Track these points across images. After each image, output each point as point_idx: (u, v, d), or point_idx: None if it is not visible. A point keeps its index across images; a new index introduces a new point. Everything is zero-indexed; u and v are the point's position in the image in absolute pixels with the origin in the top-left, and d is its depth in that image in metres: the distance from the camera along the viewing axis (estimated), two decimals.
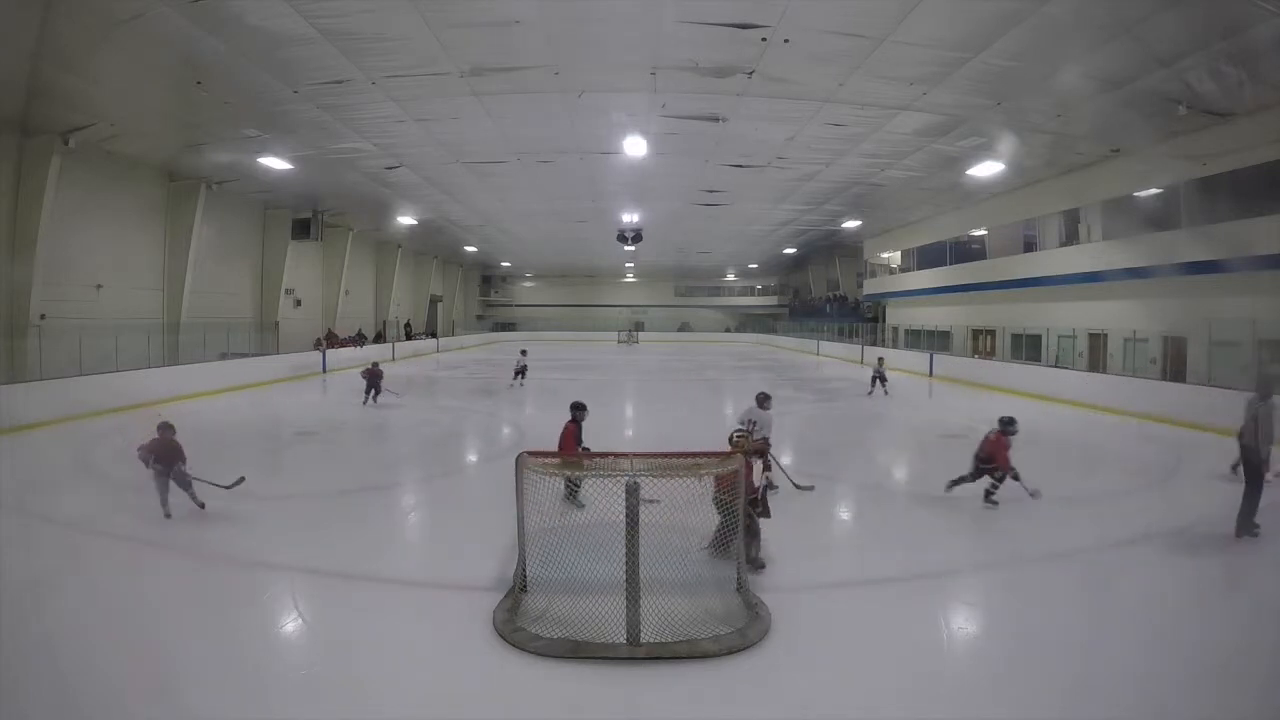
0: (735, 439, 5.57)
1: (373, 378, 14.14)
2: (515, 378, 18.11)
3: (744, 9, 8.81)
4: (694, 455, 4.59)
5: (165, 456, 6.13)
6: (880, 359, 18.54)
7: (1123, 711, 3.36)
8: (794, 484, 7.12)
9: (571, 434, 6.84)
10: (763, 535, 5.14)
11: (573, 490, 6.06)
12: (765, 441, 6.25)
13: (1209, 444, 10.36)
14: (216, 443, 10.18)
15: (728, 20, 9.09)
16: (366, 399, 13.94)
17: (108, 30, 8.91)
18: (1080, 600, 4.75)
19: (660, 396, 17.37)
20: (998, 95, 11.46)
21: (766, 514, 5.24)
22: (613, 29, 9.44)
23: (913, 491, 7.90)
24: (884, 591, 4.81)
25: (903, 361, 24.04)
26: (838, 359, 29.29)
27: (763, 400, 7.06)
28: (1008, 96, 11.51)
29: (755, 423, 6.71)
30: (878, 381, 16.64)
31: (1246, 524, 5.76)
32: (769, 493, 6.48)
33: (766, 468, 6.71)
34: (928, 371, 21.53)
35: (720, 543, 4.98)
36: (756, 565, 4.95)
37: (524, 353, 19.04)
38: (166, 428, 6.27)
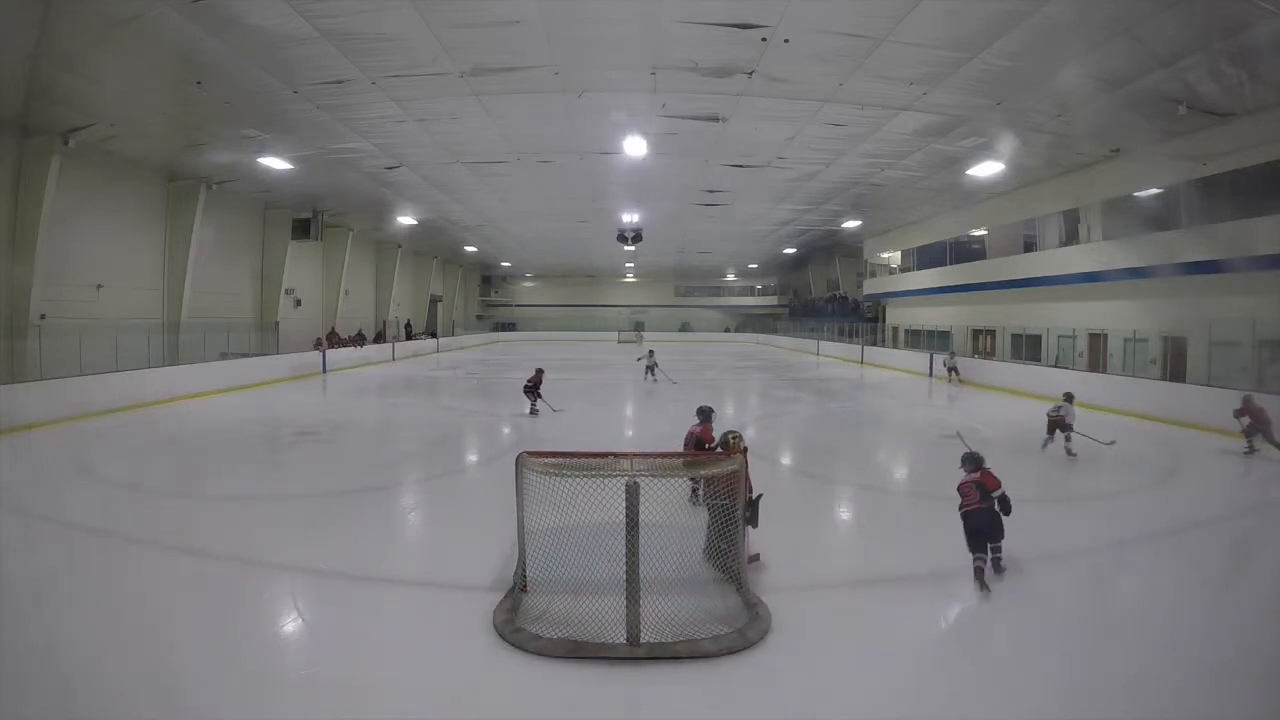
0: (731, 440, 5.56)
1: (534, 386, 12.95)
2: (651, 374, 19.43)
3: (744, 9, 8.81)
4: (694, 455, 4.59)
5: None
6: (952, 353, 20.29)
7: (1122, 712, 3.37)
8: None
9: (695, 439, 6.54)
10: (752, 545, 4.96)
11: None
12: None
13: (1209, 444, 10.38)
14: (216, 442, 10.21)
15: (728, 20, 9.09)
16: (532, 406, 12.81)
17: (108, 30, 8.91)
18: (1080, 600, 4.75)
19: (661, 396, 17.37)
20: (998, 95, 11.45)
21: (754, 523, 4.96)
22: (613, 29, 9.43)
23: (912, 491, 7.90)
24: (884, 591, 4.81)
25: (902, 361, 24.09)
26: (837, 359, 29.31)
27: (1070, 397, 9.52)
28: (1008, 96, 11.51)
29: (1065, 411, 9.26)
30: (952, 372, 19.23)
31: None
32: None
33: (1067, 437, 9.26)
34: (927, 371, 21.54)
35: (712, 547, 4.84)
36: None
37: (651, 352, 20.49)
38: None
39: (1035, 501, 7.28)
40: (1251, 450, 9.49)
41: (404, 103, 12.18)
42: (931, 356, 21.89)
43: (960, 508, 4.93)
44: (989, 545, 4.81)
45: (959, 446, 8.22)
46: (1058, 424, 9.34)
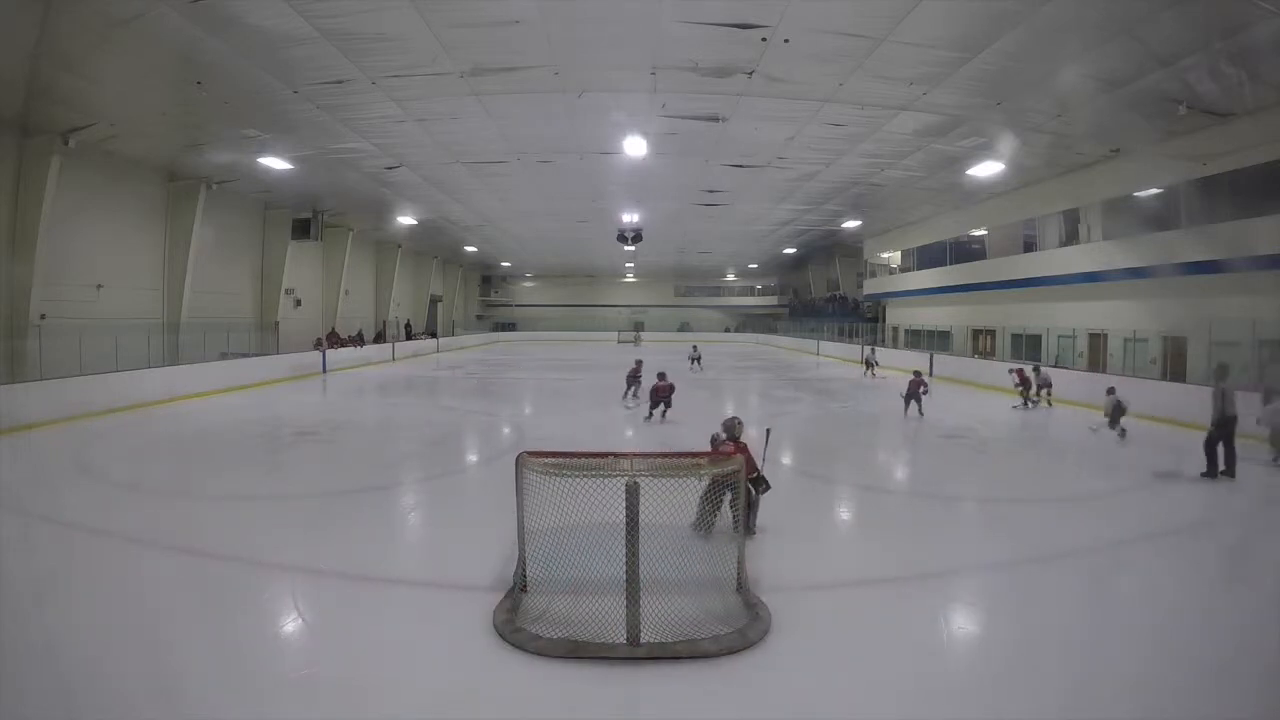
0: (737, 424, 5.83)
1: (634, 376, 14.53)
2: (695, 364, 22.14)
3: (744, 9, 8.81)
4: (694, 455, 4.61)
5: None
6: (873, 348, 22.83)
7: (1122, 712, 3.36)
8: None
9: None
10: (761, 532, 5.40)
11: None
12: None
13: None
14: (216, 442, 10.21)
15: (727, 20, 9.09)
16: (627, 393, 14.44)
17: (108, 30, 8.91)
18: (1080, 600, 4.75)
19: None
20: (998, 95, 11.46)
21: (767, 487, 5.67)
22: (613, 29, 9.43)
23: (912, 491, 7.90)
24: (884, 591, 4.81)
25: (902, 361, 24.04)
26: (837, 359, 29.29)
27: (1112, 389, 10.75)
28: (1008, 96, 11.51)
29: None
30: (869, 369, 21.48)
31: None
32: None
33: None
34: (928, 371, 21.50)
35: (703, 521, 5.24)
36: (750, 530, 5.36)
37: (695, 346, 24.30)
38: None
39: (1036, 501, 7.30)
40: (1025, 405, 14.13)
41: (404, 103, 12.18)
42: (931, 357, 21.90)
43: (910, 389, 12.47)
44: (918, 403, 12.26)
45: (958, 446, 8.30)
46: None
